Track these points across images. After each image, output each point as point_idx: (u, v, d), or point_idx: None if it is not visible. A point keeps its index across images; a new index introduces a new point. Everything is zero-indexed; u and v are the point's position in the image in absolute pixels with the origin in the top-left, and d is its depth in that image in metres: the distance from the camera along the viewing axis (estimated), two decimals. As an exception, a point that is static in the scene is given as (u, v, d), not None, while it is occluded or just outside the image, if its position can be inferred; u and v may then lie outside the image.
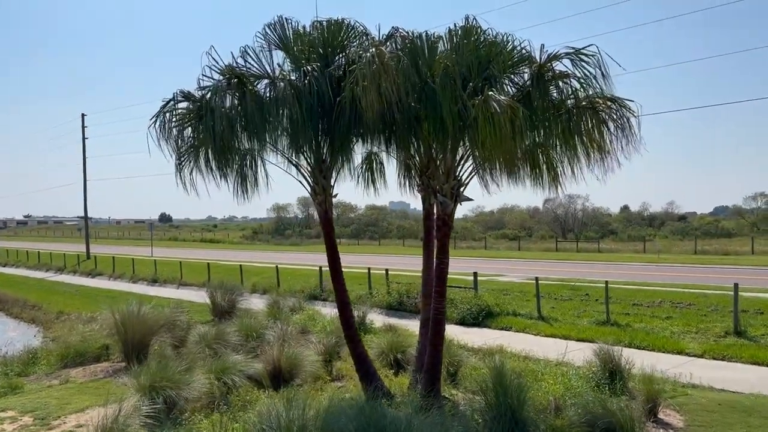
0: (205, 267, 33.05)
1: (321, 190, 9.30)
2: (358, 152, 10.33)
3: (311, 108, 8.11)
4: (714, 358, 12.20)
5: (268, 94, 8.65)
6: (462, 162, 8.59)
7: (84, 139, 47.60)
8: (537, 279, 17.59)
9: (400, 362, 12.18)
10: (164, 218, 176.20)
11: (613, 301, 16.08)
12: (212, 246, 67.14)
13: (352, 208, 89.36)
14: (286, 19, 8.92)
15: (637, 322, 15.18)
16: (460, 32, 8.20)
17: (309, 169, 9.38)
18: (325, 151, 9.22)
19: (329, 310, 18.62)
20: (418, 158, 10.42)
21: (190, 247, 64.80)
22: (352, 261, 36.17)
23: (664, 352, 12.66)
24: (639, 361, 10.25)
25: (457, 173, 8.55)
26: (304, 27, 8.99)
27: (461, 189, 8.61)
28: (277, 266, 26.39)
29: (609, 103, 7.75)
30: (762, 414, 8.83)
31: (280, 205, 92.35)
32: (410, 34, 8.37)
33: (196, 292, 26.30)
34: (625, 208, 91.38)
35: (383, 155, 11.25)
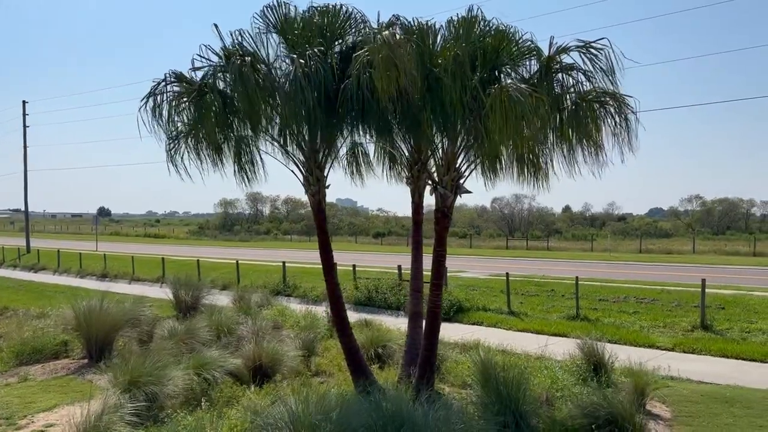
0: (156, 262, 32.15)
1: (315, 181, 9.06)
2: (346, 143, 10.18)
3: (317, 94, 7.85)
4: (684, 352, 12.56)
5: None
6: (460, 153, 8.51)
7: (25, 127, 45.36)
8: (507, 275, 17.78)
9: (381, 356, 12.09)
10: (103, 212, 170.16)
11: (579, 296, 16.38)
12: (158, 241, 65.23)
13: (302, 204, 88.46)
14: (284, 2, 8.64)
15: (606, 317, 15.52)
16: (463, 22, 8.12)
17: (302, 159, 9.14)
18: (319, 140, 9.00)
19: (297, 306, 18.33)
20: (406, 151, 10.34)
21: (135, 242, 62.78)
22: (310, 257, 35.78)
23: (636, 346, 12.95)
24: (613, 354, 10.46)
25: (458, 165, 8.47)
26: (303, 12, 8.74)
27: (461, 181, 8.53)
28: (237, 261, 25.80)
29: (607, 98, 7.81)
30: (743, 404, 9.12)
31: (227, 200, 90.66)
32: (413, 22, 8.23)
33: (150, 288, 25.52)
34: (567, 208, 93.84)
35: (369, 147, 11.15)
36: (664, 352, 12.59)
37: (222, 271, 27.03)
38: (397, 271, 21.21)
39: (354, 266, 21.78)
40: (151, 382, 9.36)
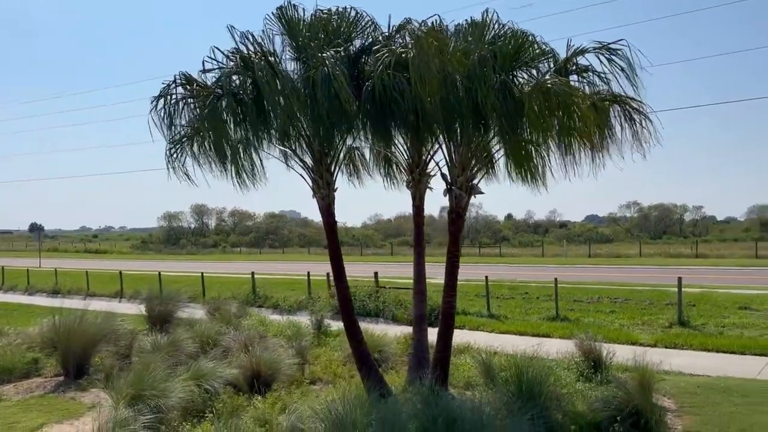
0: (109, 277, 31.20)
1: (325, 185, 8.98)
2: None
3: (330, 97, 7.78)
4: (667, 347, 13.01)
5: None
6: (474, 155, 8.60)
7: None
8: (487, 278, 18.03)
9: (378, 361, 11.98)
10: (35, 228, 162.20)
11: (554, 298, 16.72)
12: (102, 256, 62.89)
13: (249, 216, 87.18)
14: (294, 5, 8.56)
15: (585, 317, 15.92)
16: (474, 25, 8.27)
17: (311, 163, 9.04)
18: (327, 144, 8.92)
19: (273, 316, 18.07)
20: (407, 155, 10.37)
21: (76, 257, 60.33)
22: (272, 269, 35.23)
23: (620, 344, 13.27)
24: (611, 351, 10.73)
25: (471, 166, 8.55)
26: (311, 15, 8.68)
27: (475, 182, 8.62)
28: (203, 274, 25.20)
29: (619, 100, 8.04)
30: (740, 393, 9.51)
31: (171, 213, 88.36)
32: (427, 24, 8.28)
33: (109, 303, 24.49)
34: (510, 216, 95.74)
35: (365, 150, 11.15)
36: (647, 348, 12.93)
37: (183, 284, 26.24)
38: (372, 278, 21.14)
39: (328, 274, 21.59)
40: (155, 395, 9.04)
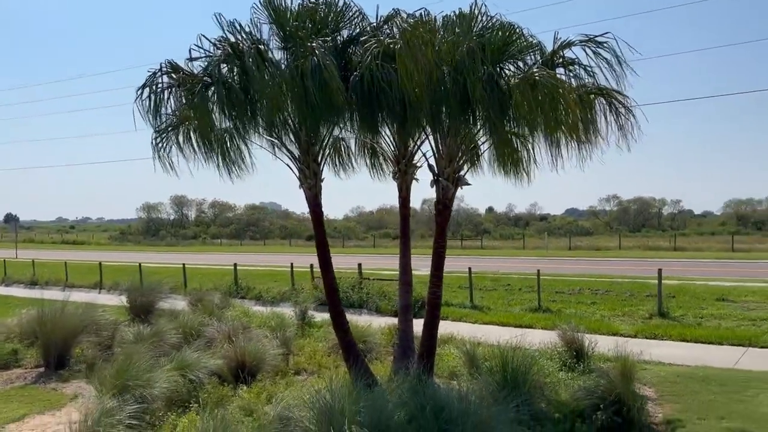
0: (87, 267, 30.87)
1: (312, 175, 8.97)
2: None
3: (319, 87, 7.77)
4: (647, 338, 13.23)
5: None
6: (461, 146, 8.64)
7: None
8: (470, 270, 18.15)
9: (363, 351, 12.03)
10: (10, 218, 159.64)
11: (536, 289, 16.90)
12: (79, 247, 62.03)
13: (231, 208, 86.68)
14: (280, -6, 8.51)
15: (566, 308, 16.10)
16: (462, 17, 8.28)
17: (298, 153, 9.02)
18: (314, 134, 8.91)
19: (256, 308, 18.04)
20: (393, 146, 10.39)
21: (53, 248, 59.47)
22: (255, 260, 35.10)
23: (601, 334, 13.45)
24: (593, 341, 10.88)
25: (458, 157, 8.59)
26: (301, 3, 8.63)
27: (462, 173, 8.67)
28: (184, 265, 25.03)
29: (605, 93, 8.12)
30: (718, 382, 9.72)
31: (150, 204, 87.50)
32: (411, 17, 8.27)
33: (88, 294, 24.24)
34: (491, 209, 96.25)
35: (351, 142, 11.16)
36: (628, 339, 13.14)
37: (163, 275, 26.02)
38: (355, 269, 21.17)
39: (311, 265, 21.56)
40: (139, 385, 9.01)
